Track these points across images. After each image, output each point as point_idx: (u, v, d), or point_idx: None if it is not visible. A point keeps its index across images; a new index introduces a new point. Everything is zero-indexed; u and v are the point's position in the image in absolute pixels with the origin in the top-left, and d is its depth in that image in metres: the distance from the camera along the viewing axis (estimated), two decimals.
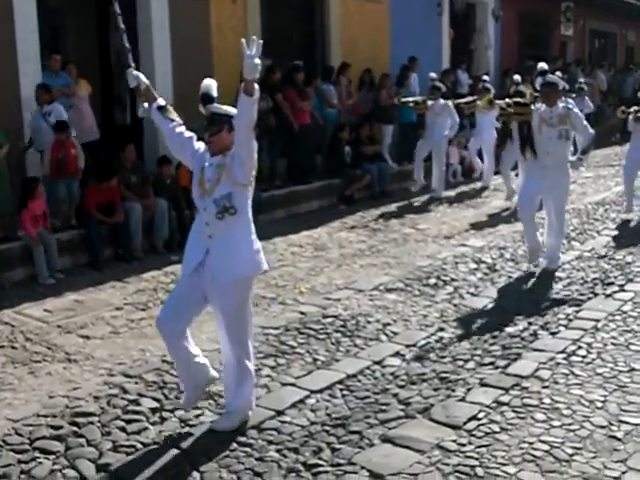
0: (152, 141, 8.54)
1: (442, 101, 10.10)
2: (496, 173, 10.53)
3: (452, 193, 10.52)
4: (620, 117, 8.92)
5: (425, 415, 3.81)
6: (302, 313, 5.47)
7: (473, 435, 3.58)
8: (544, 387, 4.08)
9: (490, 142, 10.66)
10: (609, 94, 17.75)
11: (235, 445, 3.56)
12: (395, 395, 4.06)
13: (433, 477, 3.25)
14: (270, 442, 3.59)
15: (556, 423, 3.66)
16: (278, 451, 3.51)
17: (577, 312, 5.28)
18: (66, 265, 6.90)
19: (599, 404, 3.85)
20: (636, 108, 8.43)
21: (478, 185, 11.00)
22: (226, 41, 9.06)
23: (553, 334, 4.89)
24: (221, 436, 3.63)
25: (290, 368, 4.48)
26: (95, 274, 6.80)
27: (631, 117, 8.43)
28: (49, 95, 7.38)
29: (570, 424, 3.65)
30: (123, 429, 3.76)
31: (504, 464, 3.32)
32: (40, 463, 3.47)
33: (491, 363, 4.43)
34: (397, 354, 4.66)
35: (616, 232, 7.78)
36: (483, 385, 4.13)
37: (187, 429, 3.75)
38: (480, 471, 3.27)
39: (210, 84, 3.66)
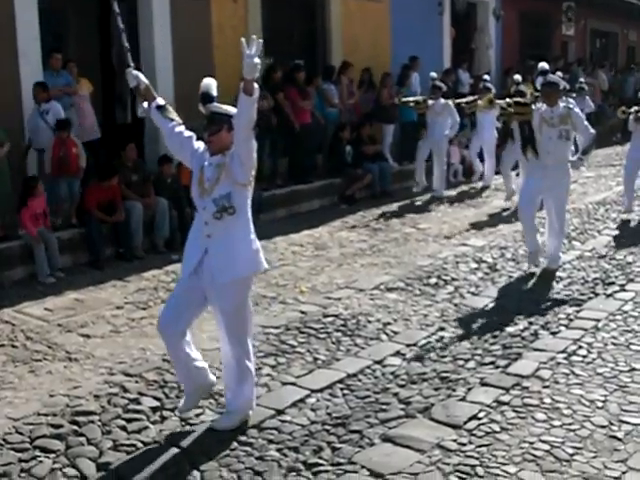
0: (153, 140, 8.54)
1: (443, 100, 10.10)
2: (497, 173, 10.53)
3: (453, 193, 10.52)
4: (620, 117, 8.91)
5: (425, 414, 3.81)
6: (303, 312, 5.47)
7: (473, 435, 3.58)
8: (545, 387, 4.08)
9: (491, 142, 10.66)
10: (610, 94, 17.74)
11: (235, 444, 3.56)
12: (395, 394, 4.06)
13: (433, 476, 3.25)
14: (270, 441, 3.59)
15: (556, 423, 3.66)
16: (278, 450, 3.51)
17: (578, 312, 5.28)
18: (67, 264, 6.91)
19: (599, 404, 3.85)
20: (636, 108, 8.42)
21: (479, 185, 10.99)
22: (227, 40, 9.06)
23: (554, 334, 4.89)
24: (221, 435, 3.63)
25: (290, 367, 4.48)
26: (96, 273, 6.80)
27: (631, 117, 8.43)
28: (47, 93, 7.36)
29: (570, 424, 3.65)
30: (123, 428, 3.76)
31: (504, 464, 3.32)
32: (40, 462, 3.48)
33: (492, 363, 4.43)
34: (398, 353, 4.66)
35: (617, 232, 7.77)
36: (484, 385, 4.13)
37: (187, 428, 3.75)
38: (480, 471, 3.27)
39: (210, 83, 3.66)
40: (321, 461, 3.40)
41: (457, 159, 11.68)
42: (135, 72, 3.79)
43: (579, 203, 9.29)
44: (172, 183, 7.86)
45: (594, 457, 3.35)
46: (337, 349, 4.76)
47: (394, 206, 9.61)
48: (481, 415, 3.77)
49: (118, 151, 7.87)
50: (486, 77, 11.23)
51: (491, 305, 5.58)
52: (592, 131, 6.35)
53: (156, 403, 4.03)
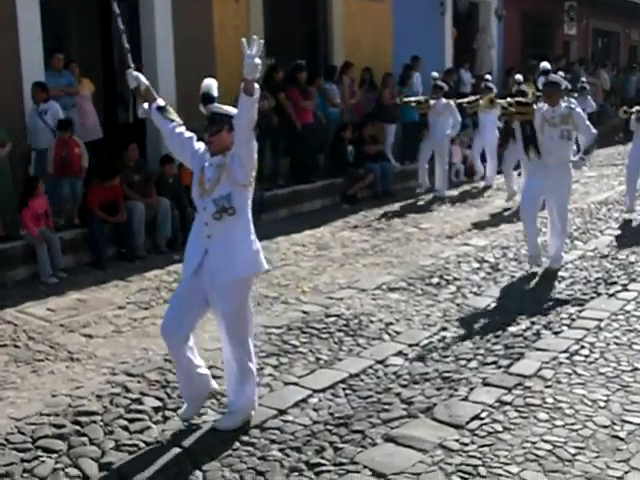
0: (155, 140, 8.54)
1: (444, 100, 10.10)
2: (499, 172, 10.52)
3: (455, 192, 10.52)
4: (622, 117, 8.90)
5: (428, 414, 3.80)
6: (305, 312, 5.47)
7: (476, 435, 3.58)
8: (547, 387, 4.07)
9: (492, 141, 10.65)
10: (612, 93, 17.72)
11: (238, 444, 3.56)
12: (398, 394, 4.06)
13: (436, 476, 3.25)
14: (273, 441, 3.59)
15: (559, 423, 3.66)
16: (281, 450, 3.51)
17: (580, 312, 5.27)
18: (69, 264, 6.91)
19: (602, 404, 3.84)
20: (638, 108, 8.41)
21: (481, 184, 10.99)
22: (229, 40, 9.06)
23: (556, 333, 4.88)
24: (224, 435, 3.63)
25: (293, 367, 4.48)
26: (98, 273, 6.81)
27: (633, 117, 8.42)
28: (45, 93, 7.34)
29: (573, 424, 3.64)
30: (126, 428, 3.76)
31: (507, 463, 3.32)
32: (43, 462, 3.48)
33: (494, 362, 4.43)
34: (400, 353, 4.66)
35: (619, 232, 7.76)
36: (486, 384, 4.12)
37: (190, 428, 3.75)
38: (483, 470, 3.27)
39: (210, 84, 3.66)
40: (323, 461, 3.40)
41: (459, 159, 11.68)
42: (135, 73, 3.79)
43: (581, 203, 9.28)
44: (174, 183, 7.86)
45: (596, 457, 3.35)
46: (339, 349, 4.76)
47: (396, 206, 9.60)
48: (483, 415, 3.76)
49: (120, 151, 7.88)
50: (488, 77, 11.22)
51: (493, 305, 5.57)
52: (594, 131, 6.34)
53: (158, 403, 4.03)
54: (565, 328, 4.97)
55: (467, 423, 3.68)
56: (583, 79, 14.25)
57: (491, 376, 4.23)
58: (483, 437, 3.55)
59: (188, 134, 3.75)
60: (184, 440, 3.62)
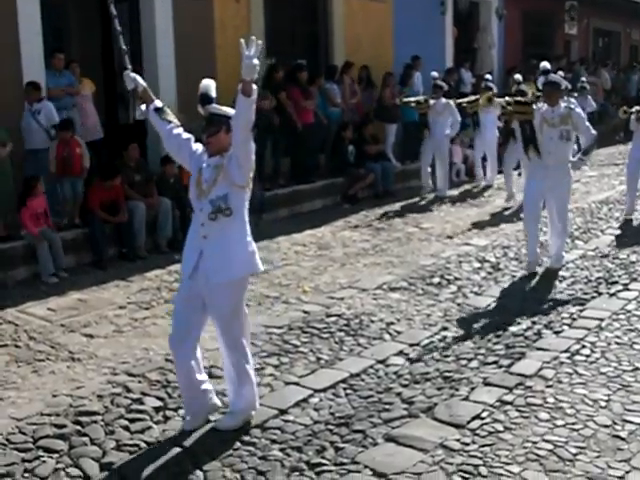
0: (156, 140, 8.51)
1: (444, 100, 10.10)
2: (499, 172, 10.52)
3: (455, 192, 10.51)
4: (622, 117, 8.90)
5: (429, 414, 3.80)
6: (305, 312, 5.47)
7: (477, 434, 3.58)
8: (548, 386, 4.07)
9: (492, 141, 10.65)
10: (613, 93, 17.71)
11: (238, 444, 3.56)
12: (399, 394, 4.06)
13: (437, 476, 3.24)
14: (273, 441, 3.59)
15: (560, 422, 3.66)
16: (281, 450, 3.51)
17: (581, 311, 5.27)
18: (70, 264, 6.91)
19: (603, 403, 3.84)
20: (638, 108, 8.40)
21: (482, 184, 10.98)
22: (229, 40, 9.06)
23: (557, 333, 4.88)
24: (224, 435, 3.63)
25: (293, 367, 4.48)
26: (99, 273, 6.81)
27: (633, 117, 8.41)
28: (38, 93, 7.31)
29: (574, 423, 3.64)
30: (127, 428, 3.77)
31: (508, 463, 3.32)
32: (44, 462, 3.48)
33: (495, 362, 4.43)
34: (401, 353, 4.66)
35: (620, 231, 7.76)
36: (487, 384, 4.12)
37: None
38: (484, 470, 3.27)
39: (209, 84, 3.66)
40: (324, 461, 3.40)
41: (460, 159, 11.67)
42: (133, 74, 3.78)
43: (582, 202, 9.27)
44: (175, 183, 7.86)
45: (597, 457, 3.35)
46: (340, 349, 4.76)
47: (396, 206, 9.60)
48: (484, 415, 3.76)
49: (121, 151, 7.88)
50: (488, 76, 11.22)
51: (494, 304, 5.57)
52: (593, 132, 6.33)
53: (159, 403, 4.03)
54: (566, 328, 4.97)
55: (468, 423, 3.68)
56: (583, 79, 14.25)
57: (492, 376, 4.23)
58: (484, 437, 3.55)
59: (186, 135, 3.75)
60: (185, 440, 3.62)
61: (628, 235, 7.55)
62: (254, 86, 3.36)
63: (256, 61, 3.32)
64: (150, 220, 7.49)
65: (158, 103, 3.79)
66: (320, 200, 9.66)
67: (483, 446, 3.46)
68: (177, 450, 3.53)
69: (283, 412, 3.88)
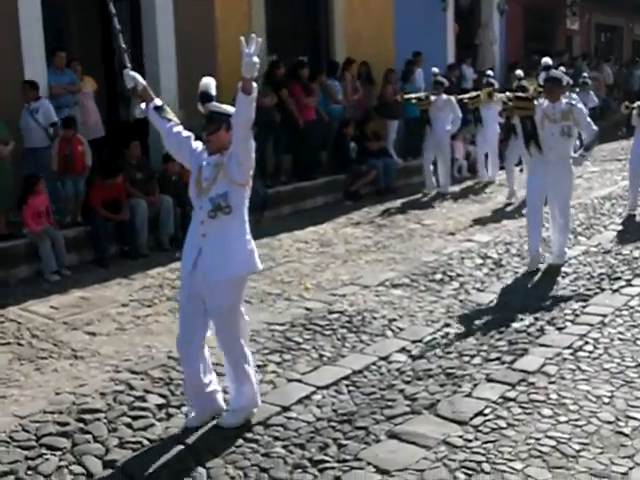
0: (157, 138, 8.44)
1: (445, 96, 10.08)
2: (501, 168, 10.49)
3: (457, 188, 10.50)
4: (624, 112, 8.87)
5: (431, 411, 3.80)
6: (308, 309, 5.47)
7: (479, 431, 3.57)
8: (551, 383, 4.06)
9: (493, 137, 10.63)
10: (615, 88, 17.67)
11: (241, 441, 3.57)
12: (401, 391, 4.06)
13: (439, 473, 3.24)
14: (276, 438, 3.59)
15: (563, 419, 3.65)
16: (284, 447, 3.51)
17: (584, 307, 5.26)
18: (72, 262, 6.92)
19: (606, 400, 3.83)
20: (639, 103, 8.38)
21: (483, 180, 10.96)
22: (230, 38, 9.02)
23: (560, 329, 4.87)
24: (227, 432, 3.64)
25: (296, 364, 4.48)
26: (101, 271, 6.81)
27: (635, 112, 8.39)
28: (35, 92, 7.28)
29: (577, 420, 3.64)
30: (129, 425, 3.77)
31: (511, 460, 3.31)
32: (47, 459, 3.49)
33: (497, 359, 4.42)
34: (403, 350, 4.65)
35: (622, 227, 7.74)
36: (489, 381, 4.12)
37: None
38: (487, 467, 3.27)
39: (209, 82, 3.65)
40: (327, 458, 3.40)
41: (461, 155, 11.65)
42: (132, 73, 3.77)
43: (584, 198, 9.25)
44: (177, 181, 7.85)
45: (601, 453, 3.34)
46: (342, 346, 4.76)
47: (398, 202, 9.59)
48: (487, 411, 3.76)
49: (122, 149, 7.87)
50: (489, 72, 11.19)
51: (496, 301, 5.56)
52: (595, 128, 6.31)
53: (162, 400, 4.04)
54: (569, 324, 4.96)
55: (471, 419, 3.68)
56: (585, 74, 14.21)
57: (495, 372, 4.22)
58: (487, 433, 3.55)
59: (186, 133, 3.74)
60: (188, 437, 3.62)
61: (631, 231, 7.53)
62: (254, 84, 3.35)
63: (256, 59, 3.31)
64: (152, 218, 7.49)
65: (158, 101, 3.79)
66: (322, 197, 9.65)
67: (486, 442, 3.46)
68: (180, 447, 3.53)
69: (286, 409, 3.88)
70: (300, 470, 3.32)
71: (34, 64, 7.50)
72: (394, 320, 5.19)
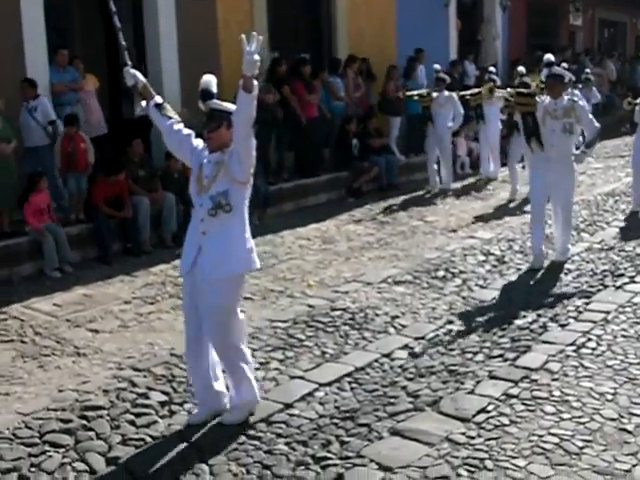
0: (159, 135, 8.42)
1: (446, 93, 10.06)
2: (504, 165, 10.47)
3: (459, 185, 10.48)
4: (626, 108, 8.84)
5: (434, 408, 3.80)
6: (310, 306, 5.47)
7: (482, 428, 3.57)
8: (554, 380, 4.06)
9: (495, 134, 10.62)
10: (618, 84, 17.62)
11: (244, 438, 3.57)
12: (404, 388, 4.06)
13: (442, 470, 3.24)
14: (279, 435, 3.59)
15: (566, 416, 3.65)
16: (287, 444, 3.51)
17: (587, 304, 5.25)
18: (75, 259, 6.93)
19: (609, 397, 3.83)
20: None
21: (485, 177, 10.94)
22: (233, 35, 8.97)
23: (562, 326, 4.86)
24: (230, 429, 3.64)
25: (298, 361, 4.48)
26: (104, 268, 6.82)
27: (637, 108, 8.36)
28: (34, 90, 7.24)
29: (580, 417, 3.63)
30: (132, 422, 3.77)
31: (514, 457, 3.31)
32: (50, 456, 3.49)
33: (500, 355, 4.42)
34: (406, 347, 4.65)
35: (626, 223, 7.72)
36: (492, 378, 4.11)
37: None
38: (489, 464, 3.27)
39: (210, 80, 3.65)
40: (329, 455, 3.40)
41: (464, 151, 11.63)
42: (133, 71, 3.77)
43: (588, 194, 9.23)
44: (179, 178, 7.85)
45: (604, 450, 3.34)
46: (345, 343, 4.76)
47: (401, 199, 9.58)
48: (490, 408, 3.76)
49: (124, 146, 7.87)
50: (492, 69, 11.16)
51: (499, 298, 5.56)
52: (597, 125, 6.29)
53: (164, 397, 4.04)
54: (572, 321, 4.95)
55: (473, 416, 3.68)
56: (587, 70, 14.18)
57: (497, 369, 4.22)
58: (490, 430, 3.54)
59: (186, 131, 3.74)
60: (190, 434, 3.62)
61: (634, 227, 7.51)
62: (255, 82, 3.35)
63: (257, 57, 3.31)
64: (154, 215, 7.49)
65: (158, 99, 3.79)
66: (324, 194, 9.65)
67: (489, 440, 3.46)
68: (183, 444, 3.54)
69: (288, 406, 3.88)
70: (303, 467, 3.32)
71: (36, 62, 7.50)
72: (397, 317, 5.19)
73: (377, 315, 5.24)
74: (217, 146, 3.58)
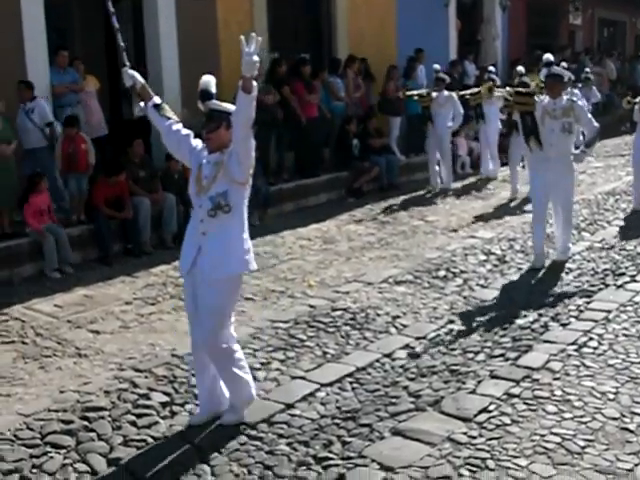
0: (159, 136, 8.47)
1: (446, 92, 10.07)
2: (504, 164, 10.46)
3: (460, 185, 10.48)
4: (625, 107, 8.83)
5: (435, 408, 3.79)
6: (311, 306, 5.47)
7: (484, 427, 3.57)
8: (555, 379, 4.05)
9: (494, 134, 10.61)
10: (618, 83, 17.62)
11: (245, 439, 3.57)
12: (405, 388, 4.05)
13: (444, 470, 3.24)
14: (280, 435, 3.59)
15: (568, 415, 3.64)
16: (288, 444, 3.51)
17: (588, 303, 5.24)
18: (76, 260, 6.93)
19: (611, 396, 3.82)
20: None
21: (485, 176, 10.94)
22: (233, 36, 8.97)
23: (564, 325, 4.86)
24: (231, 430, 3.63)
25: (300, 361, 4.48)
26: (104, 269, 6.82)
27: (637, 107, 8.36)
28: (31, 92, 7.22)
29: (582, 416, 3.63)
30: (134, 423, 3.77)
31: (515, 456, 3.31)
32: (51, 457, 3.49)
33: (501, 355, 4.41)
34: (407, 347, 4.65)
35: (626, 222, 7.72)
36: (493, 377, 4.11)
37: None
38: (491, 463, 3.26)
39: (209, 80, 3.65)
40: (331, 455, 3.40)
41: (464, 151, 11.63)
42: (131, 71, 3.77)
43: (588, 194, 9.23)
44: (179, 179, 7.84)
45: (606, 449, 3.33)
46: (346, 343, 4.76)
47: (401, 199, 9.58)
48: (491, 408, 3.75)
49: (125, 147, 7.87)
50: (491, 68, 11.16)
51: (500, 297, 5.55)
52: (596, 124, 6.29)
53: (166, 398, 4.04)
54: (573, 320, 4.95)
55: (475, 416, 3.67)
56: (587, 69, 14.17)
57: (499, 369, 4.21)
58: (491, 430, 3.54)
59: (185, 131, 3.74)
60: (192, 435, 3.62)
61: (635, 226, 7.50)
62: (254, 83, 3.35)
63: (256, 58, 3.31)
64: (155, 216, 7.49)
65: (157, 99, 3.79)
66: (325, 194, 9.65)
67: (490, 439, 3.46)
68: (184, 445, 3.54)
69: (290, 406, 3.88)
70: (304, 467, 3.32)
71: (37, 63, 7.50)
72: (398, 317, 5.18)
73: (378, 315, 5.23)
74: (216, 147, 3.58)
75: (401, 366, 4.36)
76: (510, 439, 3.45)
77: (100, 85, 8.55)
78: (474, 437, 3.48)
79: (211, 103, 3.59)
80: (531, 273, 6.12)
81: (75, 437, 3.65)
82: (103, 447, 3.56)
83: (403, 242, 7.38)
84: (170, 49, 8.69)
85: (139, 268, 6.75)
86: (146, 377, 4.32)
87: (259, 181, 8.02)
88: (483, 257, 6.63)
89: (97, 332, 5.19)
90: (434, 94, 10.04)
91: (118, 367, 4.52)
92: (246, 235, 3.65)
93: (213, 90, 3.64)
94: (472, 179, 10.96)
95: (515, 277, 6.05)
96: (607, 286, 5.62)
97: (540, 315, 5.06)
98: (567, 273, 6.04)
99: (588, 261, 6.34)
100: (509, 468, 3.23)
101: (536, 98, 6.18)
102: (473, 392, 3.94)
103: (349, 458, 3.37)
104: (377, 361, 4.44)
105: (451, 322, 5.05)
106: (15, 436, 3.68)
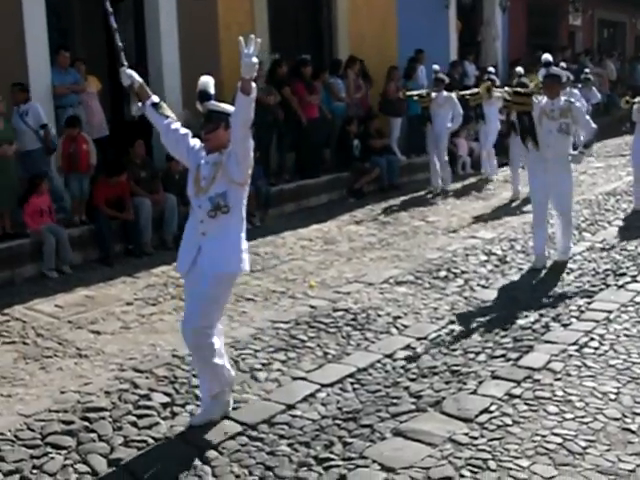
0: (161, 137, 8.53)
1: (445, 93, 10.07)
2: (505, 164, 10.45)
3: (460, 185, 10.48)
4: (624, 107, 8.83)
5: (436, 408, 3.79)
6: (312, 307, 5.47)
7: (485, 428, 3.56)
8: (556, 379, 4.05)
9: (493, 134, 10.61)
10: (618, 84, 17.62)
11: (246, 439, 3.56)
12: (406, 388, 4.05)
13: (445, 470, 3.23)
14: (281, 436, 3.59)
15: (569, 416, 3.64)
16: (289, 445, 3.50)
17: (589, 303, 5.24)
18: (77, 260, 6.93)
19: (612, 396, 3.82)
20: None
21: (484, 177, 10.94)
22: (233, 36, 8.93)
23: (565, 326, 4.86)
24: (232, 430, 3.63)
25: (301, 362, 4.48)
26: (105, 269, 6.82)
27: (635, 107, 8.36)
28: (25, 94, 7.19)
29: (583, 417, 3.62)
30: (134, 424, 3.77)
31: (517, 457, 3.30)
32: (52, 458, 3.49)
33: (502, 355, 4.41)
34: (408, 347, 4.64)
35: (627, 222, 7.71)
36: (495, 378, 4.11)
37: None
38: (493, 464, 3.26)
39: (207, 81, 3.66)
40: (332, 456, 3.40)
41: (465, 151, 11.63)
42: (129, 71, 3.78)
43: (589, 194, 9.23)
44: (180, 179, 7.83)
45: (607, 450, 3.33)
46: (347, 343, 4.75)
47: (402, 199, 9.58)
48: (492, 408, 3.75)
49: (126, 148, 7.88)
50: (491, 69, 11.16)
51: (501, 298, 5.55)
52: (593, 125, 6.29)
53: (166, 399, 4.04)
54: (574, 320, 4.95)
55: (476, 417, 3.67)
56: (587, 70, 14.17)
57: (500, 369, 4.21)
58: (492, 431, 3.53)
59: (183, 130, 3.75)
60: (192, 436, 3.62)
61: (635, 227, 7.50)
62: (253, 84, 3.35)
63: (255, 59, 3.32)
64: (156, 216, 7.50)
65: (155, 98, 3.80)
66: (326, 195, 9.65)
67: (492, 440, 3.45)
68: (185, 446, 3.53)
69: (291, 407, 3.88)
70: (305, 468, 3.31)
71: (38, 63, 7.49)
72: (398, 317, 5.18)
73: (379, 316, 5.23)
74: (215, 147, 3.58)
75: (402, 367, 4.35)
76: (511, 440, 3.45)
77: (101, 86, 8.55)
78: (475, 438, 3.48)
79: (210, 104, 3.60)
80: (532, 273, 6.12)
81: (76, 438, 3.65)
82: (104, 448, 3.55)
83: (404, 242, 7.38)
84: (171, 50, 8.69)
85: (140, 269, 6.75)
86: (147, 378, 4.31)
87: (260, 182, 8.03)
88: (484, 257, 6.63)
89: (98, 332, 5.19)
90: (433, 94, 10.04)
91: (119, 368, 4.52)
92: (243, 235, 3.67)
93: (212, 91, 3.65)
94: (473, 179, 10.96)
95: (516, 277, 6.04)
96: (608, 286, 5.62)
97: (541, 315, 5.06)
98: (568, 273, 6.04)
99: (589, 261, 6.34)
100: (510, 469, 3.22)
101: (534, 98, 6.18)
102: (474, 393, 3.94)
103: (350, 459, 3.36)
104: (378, 361, 4.43)
105: (452, 322, 5.04)
106: (16, 436, 3.67)
